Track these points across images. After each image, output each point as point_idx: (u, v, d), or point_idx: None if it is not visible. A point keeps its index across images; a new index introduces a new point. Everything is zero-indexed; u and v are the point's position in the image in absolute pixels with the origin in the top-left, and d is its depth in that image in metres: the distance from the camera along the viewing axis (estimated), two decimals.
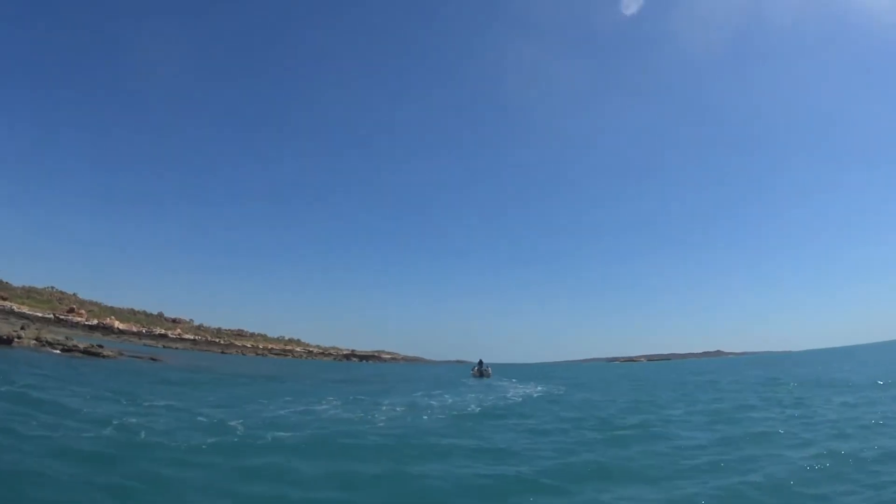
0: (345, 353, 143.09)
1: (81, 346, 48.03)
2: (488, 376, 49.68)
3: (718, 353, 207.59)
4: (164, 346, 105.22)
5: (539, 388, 34.39)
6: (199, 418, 16.10)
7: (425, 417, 18.27)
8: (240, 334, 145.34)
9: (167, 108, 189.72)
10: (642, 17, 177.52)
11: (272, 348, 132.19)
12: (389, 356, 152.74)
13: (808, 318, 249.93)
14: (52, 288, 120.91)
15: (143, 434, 13.05)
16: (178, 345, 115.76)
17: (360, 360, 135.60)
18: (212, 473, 10.03)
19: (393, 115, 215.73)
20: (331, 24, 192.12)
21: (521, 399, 26.83)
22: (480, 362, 52.75)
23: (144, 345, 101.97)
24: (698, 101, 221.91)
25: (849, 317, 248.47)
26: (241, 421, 15.60)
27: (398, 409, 20.88)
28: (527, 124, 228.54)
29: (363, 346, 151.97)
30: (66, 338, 52.36)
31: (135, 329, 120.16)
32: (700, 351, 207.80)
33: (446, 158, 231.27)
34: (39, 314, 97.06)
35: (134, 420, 14.89)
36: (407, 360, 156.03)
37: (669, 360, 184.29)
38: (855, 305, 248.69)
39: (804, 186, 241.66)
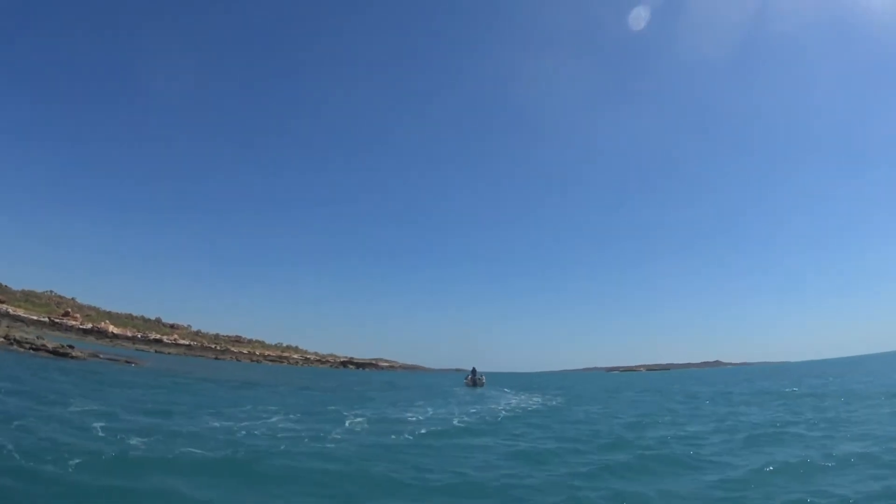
0: (342, 360, 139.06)
1: (50, 345, 44.61)
2: (482, 385, 45.77)
3: (717, 363, 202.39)
4: (156, 351, 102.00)
5: (535, 399, 30.51)
6: (97, 429, 12.41)
7: (392, 436, 14.46)
8: (237, 341, 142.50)
9: (168, 115, 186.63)
10: (648, 26, 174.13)
11: (267, 355, 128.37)
12: (387, 364, 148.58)
13: (806, 330, 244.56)
14: (51, 292, 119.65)
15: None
16: (171, 350, 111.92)
17: (357, 368, 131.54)
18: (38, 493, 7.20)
19: (393, 122, 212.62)
20: (333, 30, 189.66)
21: (513, 412, 22.96)
22: (474, 370, 48.48)
23: (136, 349, 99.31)
24: (701, 111, 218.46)
25: (847, 328, 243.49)
26: (147, 438, 11.87)
27: (364, 423, 17.11)
28: (526, 134, 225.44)
29: (363, 354, 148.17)
30: (38, 337, 49.01)
31: (129, 333, 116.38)
32: (699, 361, 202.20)
33: (449, 167, 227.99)
34: (35, 318, 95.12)
35: (20, 423, 11.96)
36: (405, 368, 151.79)
37: (668, 369, 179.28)
38: (853, 317, 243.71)
39: (804, 197, 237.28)
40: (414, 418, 19.08)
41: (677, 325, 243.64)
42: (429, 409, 23.00)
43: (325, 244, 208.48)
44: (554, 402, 28.52)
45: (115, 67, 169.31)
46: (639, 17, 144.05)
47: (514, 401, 29.11)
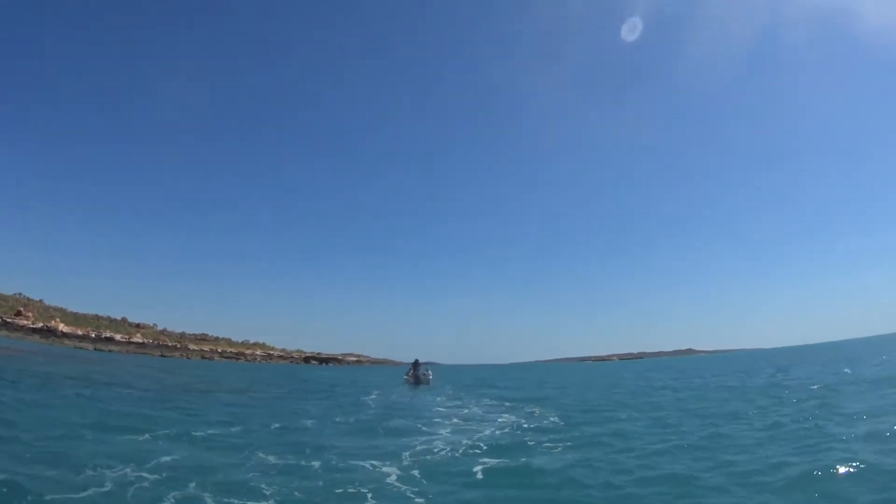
0: (306, 355, 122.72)
1: None
2: (426, 383, 29.58)
3: (690, 351, 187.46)
4: (95, 349, 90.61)
5: (503, 420, 14.36)
6: None
7: None
8: (203, 339, 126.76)
9: (145, 114, 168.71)
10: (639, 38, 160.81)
11: (223, 351, 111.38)
12: (355, 359, 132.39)
13: (779, 317, 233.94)
14: (20, 294, 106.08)
15: None
16: (116, 348, 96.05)
17: (321, 363, 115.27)
18: None
19: (373, 120, 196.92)
20: (329, 30, 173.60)
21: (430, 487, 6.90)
22: (416, 363, 31.68)
23: (76, 346, 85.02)
24: (680, 106, 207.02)
25: (818, 315, 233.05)
26: None
27: None
28: (507, 130, 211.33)
29: (339, 350, 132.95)
30: None
31: (80, 332, 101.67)
32: (671, 349, 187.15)
33: (424, 166, 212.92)
34: None
35: None
36: (374, 362, 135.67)
37: (641, 358, 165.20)
38: (825, 304, 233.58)
39: (777, 190, 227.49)
40: None
41: (648, 313, 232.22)
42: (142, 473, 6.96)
43: (305, 241, 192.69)
44: (538, 433, 12.34)
45: (81, 66, 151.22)
46: (632, 29, 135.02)
47: (457, 430, 12.97)
